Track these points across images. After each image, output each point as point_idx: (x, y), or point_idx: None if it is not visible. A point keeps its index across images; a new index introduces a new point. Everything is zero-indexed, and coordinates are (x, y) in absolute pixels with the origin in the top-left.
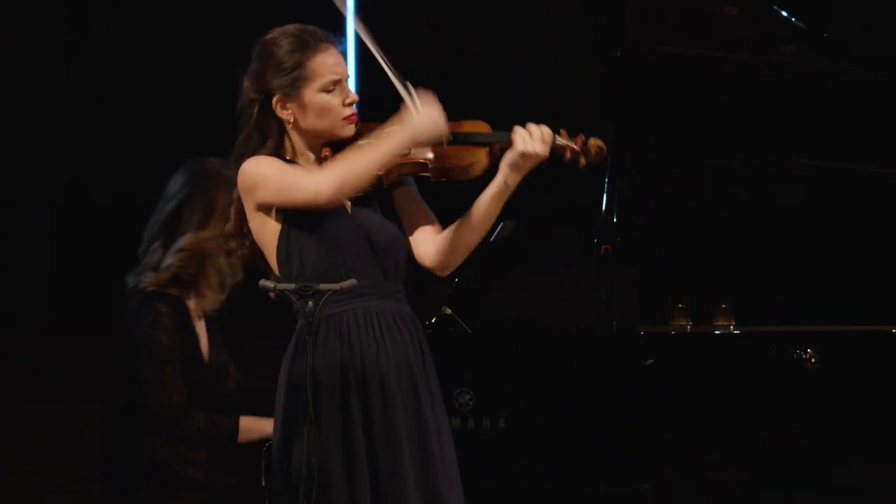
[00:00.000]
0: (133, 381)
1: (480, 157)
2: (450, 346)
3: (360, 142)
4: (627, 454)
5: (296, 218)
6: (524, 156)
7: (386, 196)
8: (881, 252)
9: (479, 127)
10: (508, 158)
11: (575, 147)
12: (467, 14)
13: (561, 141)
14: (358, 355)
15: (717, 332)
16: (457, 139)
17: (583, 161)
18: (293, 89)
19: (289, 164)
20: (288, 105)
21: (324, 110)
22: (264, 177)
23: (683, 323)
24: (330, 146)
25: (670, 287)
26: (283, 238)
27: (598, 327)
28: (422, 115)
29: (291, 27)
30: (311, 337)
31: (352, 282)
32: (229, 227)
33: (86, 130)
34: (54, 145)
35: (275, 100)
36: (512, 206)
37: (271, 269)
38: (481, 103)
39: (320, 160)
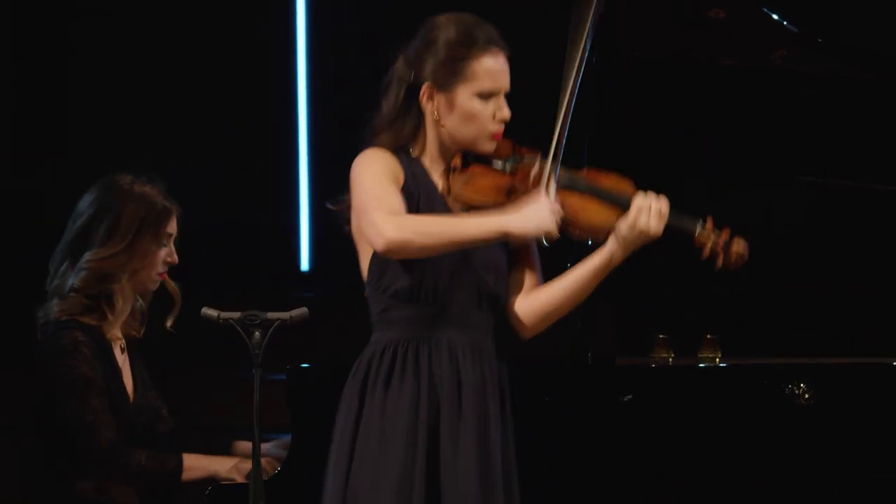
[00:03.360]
0: (51, 420)
1: (611, 219)
2: None
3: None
4: (603, 496)
5: None
6: (633, 229)
7: None
8: (882, 278)
9: (621, 182)
10: (620, 230)
11: (717, 244)
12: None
13: (703, 233)
14: (431, 390)
15: (701, 364)
16: (593, 192)
17: (719, 262)
18: (447, 83)
19: (389, 184)
20: (436, 97)
21: (471, 117)
22: (360, 183)
23: (665, 355)
24: (462, 154)
25: (651, 316)
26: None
27: (571, 359)
28: (533, 211)
29: (467, 16)
30: (258, 371)
31: (302, 310)
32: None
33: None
34: None
35: (425, 86)
36: None
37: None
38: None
39: (449, 167)
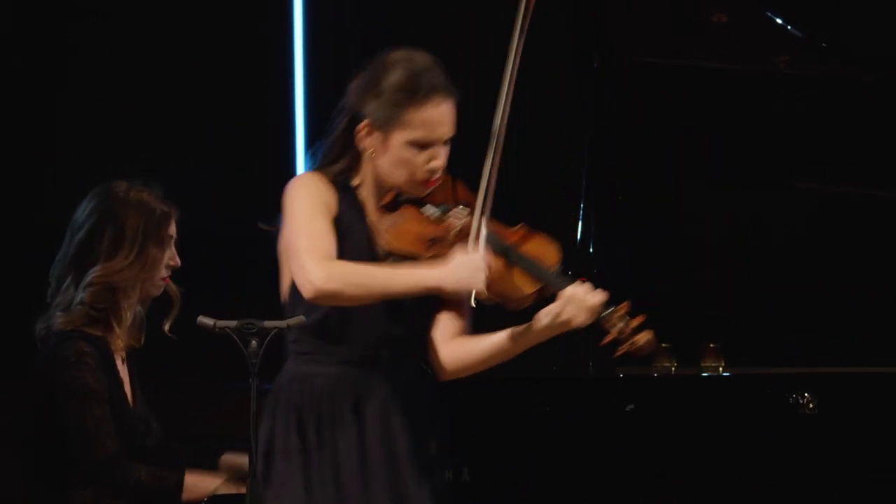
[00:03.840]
0: (51, 430)
1: (528, 292)
2: None
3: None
4: None
5: None
6: (563, 320)
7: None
8: (887, 286)
9: (548, 252)
10: (547, 314)
11: (623, 332)
12: (441, 22)
13: (611, 318)
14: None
15: (704, 374)
16: (516, 260)
17: (621, 350)
18: (384, 126)
19: (322, 219)
20: (373, 135)
21: (403, 163)
22: (292, 213)
23: (667, 364)
24: (396, 194)
25: (653, 324)
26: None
27: (572, 369)
28: (465, 268)
29: (418, 61)
30: (255, 381)
31: (300, 318)
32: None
33: None
34: None
35: (363, 123)
36: None
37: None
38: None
39: (382, 204)
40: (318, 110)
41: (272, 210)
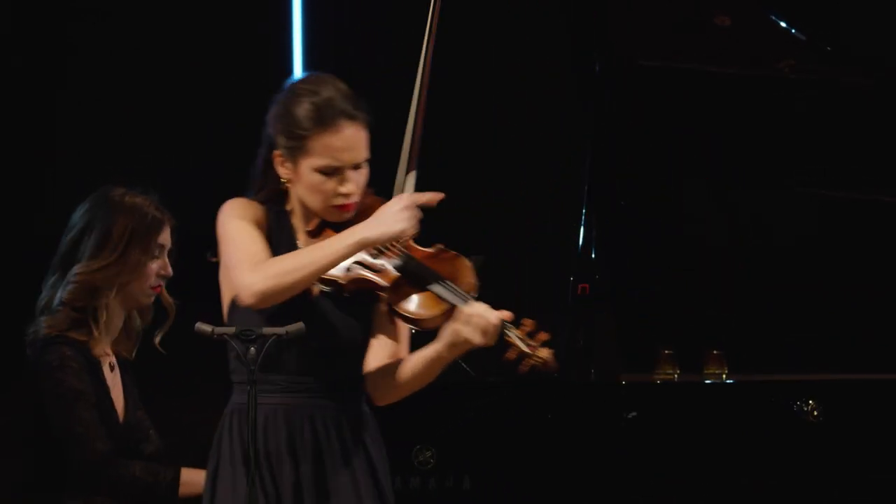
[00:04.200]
0: (41, 436)
1: (435, 313)
2: (408, 398)
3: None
4: None
5: None
6: (458, 337)
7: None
8: (892, 291)
9: (459, 270)
10: (448, 332)
11: (524, 350)
12: (443, 30)
13: (513, 337)
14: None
15: (707, 381)
16: (414, 274)
17: (525, 366)
18: (291, 155)
19: (252, 230)
20: (286, 165)
21: (314, 190)
22: (223, 236)
23: (670, 371)
24: (319, 220)
25: (655, 331)
26: (233, 300)
27: (574, 376)
28: (388, 213)
29: (323, 88)
30: (253, 387)
31: (299, 325)
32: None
33: None
34: None
35: (276, 153)
36: (478, 238)
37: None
38: (453, 123)
39: (308, 230)
40: None
41: None
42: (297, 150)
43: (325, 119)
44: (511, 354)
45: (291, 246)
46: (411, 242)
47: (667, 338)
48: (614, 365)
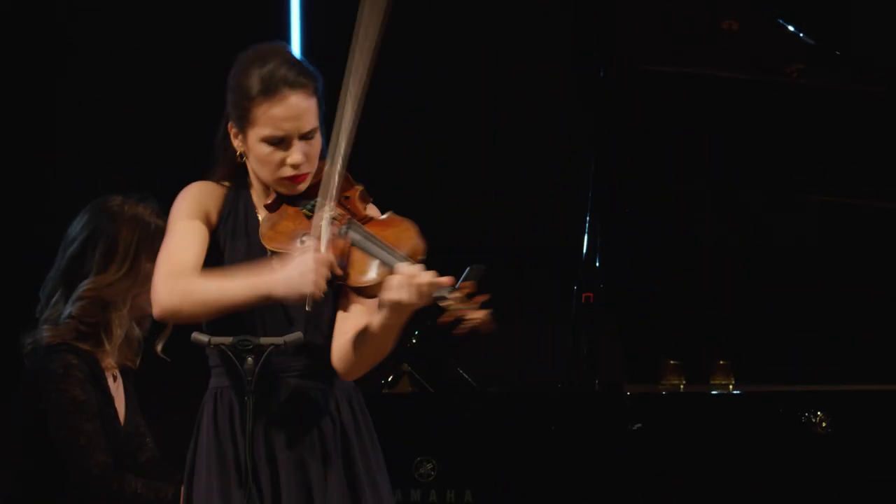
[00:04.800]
0: (41, 447)
1: (374, 278)
2: (409, 409)
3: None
4: None
5: (208, 261)
6: (392, 300)
7: None
8: None
9: (402, 234)
10: (382, 296)
11: (457, 311)
12: (446, 32)
13: (447, 299)
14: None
15: (714, 391)
16: (365, 246)
17: (460, 330)
18: (241, 126)
19: (190, 242)
20: (239, 138)
21: (262, 161)
22: (171, 220)
23: (676, 381)
24: (277, 193)
25: (661, 341)
26: None
27: (578, 386)
28: (295, 272)
29: (268, 56)
30: (251, 397)
31: (297, 335)
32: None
33: None
34: None
35: (229, 125)
36: (480, 246)
37: None
38: (457, 127)
39: (266, 204)
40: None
41: None
42: (244, 121)
43: (268, 88)
44: (447, 318)
45: (252, 221)
46: (359, 206)
47: (672, 347)
48: (619, 375)
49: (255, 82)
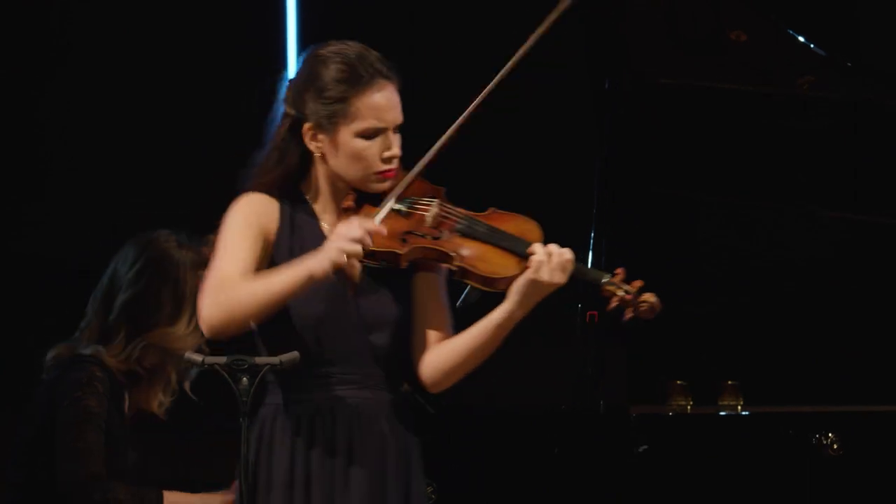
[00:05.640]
0: (43, 452)
1: (513, 270)
2: None
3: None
4: None
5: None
6: (535, 284)
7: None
8: None
9: (523, 224)
10: (521, 284)
11: (625, 295)
12: (455, 42)
13: (611, 283)
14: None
15: (722, 412)
16: (490, 237)
17: (629, 314)
18: (329, 123)
19: (243, 242)
20: (320, 137)
21: (357, 157)
22: (221, 236)
23: (683, 402)
24: (356, 195)
25: (667, 361)
26: None
27: (582, 407)
28: (325, 247)
29: (352, 49)
30: (245, 419)
31: (294, 355)
32: None
33: None
34: None
35: (306, 126)
36: None
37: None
38: (459, 141)
39: (340, 209)
40: None
41: None
42: (336, 117)
43: (365, 78)
44: (613, 303)
45: (315, 234)
46: (456, 208)
47: (679, 367)
48: (624, 396)
49: (344, 74)
